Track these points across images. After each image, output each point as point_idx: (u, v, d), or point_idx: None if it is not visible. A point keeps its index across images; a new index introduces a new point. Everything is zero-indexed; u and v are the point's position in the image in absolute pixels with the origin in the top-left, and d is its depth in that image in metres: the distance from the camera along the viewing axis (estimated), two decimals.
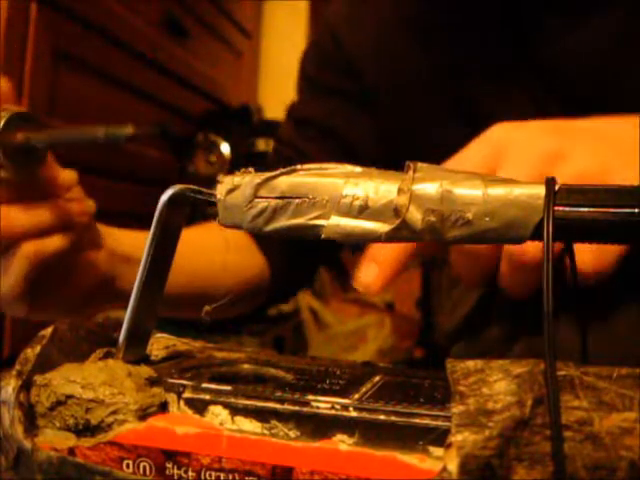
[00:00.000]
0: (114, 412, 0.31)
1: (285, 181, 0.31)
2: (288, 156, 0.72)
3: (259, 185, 0.31)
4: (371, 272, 0.40)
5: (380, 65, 0.70)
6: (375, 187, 0.30)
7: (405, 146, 0.69)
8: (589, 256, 0.39)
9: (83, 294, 0.51)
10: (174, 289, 0.43)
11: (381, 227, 0.30)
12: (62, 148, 0.47)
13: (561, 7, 0.59)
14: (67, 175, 0.48)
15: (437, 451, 0.27)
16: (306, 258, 0.71)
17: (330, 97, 0.73)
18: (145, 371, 0.33)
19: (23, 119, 0.44)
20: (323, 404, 0.29)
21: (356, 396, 0.30)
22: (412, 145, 0.68)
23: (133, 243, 0.54)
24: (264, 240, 0.67)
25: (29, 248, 0.44)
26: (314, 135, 0.73)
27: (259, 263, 0.69)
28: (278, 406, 0.30)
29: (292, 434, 0.29)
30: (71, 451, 0.31)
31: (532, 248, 0.40)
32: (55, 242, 0.46)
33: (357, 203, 0.30)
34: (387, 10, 0.70)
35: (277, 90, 1.71)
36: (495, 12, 0.62)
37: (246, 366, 0.37)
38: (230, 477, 0.29)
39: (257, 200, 0.31)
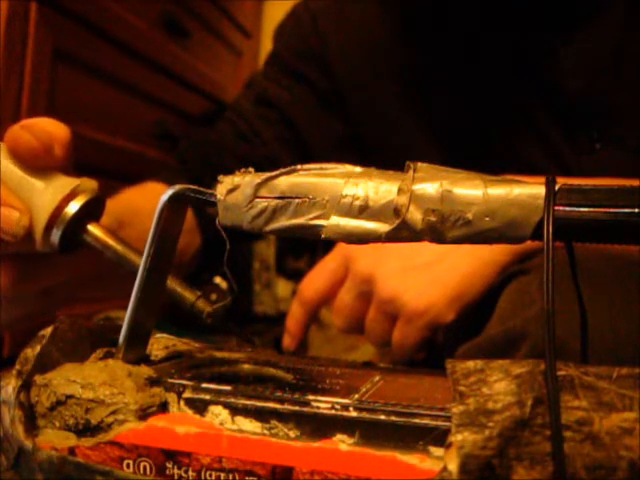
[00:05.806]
0: (114, 412, 0.31)
1: (285, 181, 0.31)
2: (241, 131, 0.71)
3: (259, 185, 0.31)
4: (286, 340, 0.61)
5: (356, 67, 0.68)
6: (375, 187, 0.30)
7: (370, 154, 0.68)
8: (396, 335, 0.53)
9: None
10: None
11: (381, 227, 0.30)
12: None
13: (554, 22, 0.59)
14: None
15: (437, 451, 0.27)
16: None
17: (298, 85, 0.71)
18: (145, 371, 0.33)
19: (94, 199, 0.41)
20: (323, 404, 0.29)
21: (356, 396, 0.30)
22: (376, 154, 0.67)
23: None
24: (205, 220, 0.66)
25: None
26: (274, 120, 0.71)
27: (197, 243, 0.67)
28: (278, 406, 0.30)
29: (292, 434, 0.29)
30: (71, 451, 0.31)
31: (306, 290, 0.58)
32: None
33: (357, 203, 0.30)
34: (373, 14, 0.68)
35: None
36: (488, 25, 0.62)
37: (246, 366, 0.37)
38: (230, 477, 0.29)
39: (257, 200, 0.31)
